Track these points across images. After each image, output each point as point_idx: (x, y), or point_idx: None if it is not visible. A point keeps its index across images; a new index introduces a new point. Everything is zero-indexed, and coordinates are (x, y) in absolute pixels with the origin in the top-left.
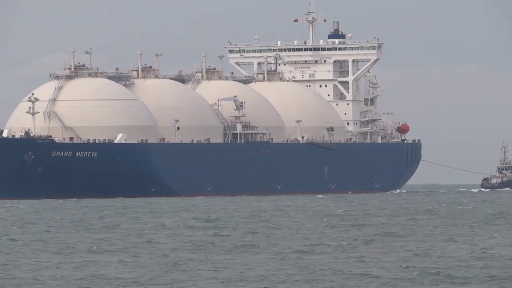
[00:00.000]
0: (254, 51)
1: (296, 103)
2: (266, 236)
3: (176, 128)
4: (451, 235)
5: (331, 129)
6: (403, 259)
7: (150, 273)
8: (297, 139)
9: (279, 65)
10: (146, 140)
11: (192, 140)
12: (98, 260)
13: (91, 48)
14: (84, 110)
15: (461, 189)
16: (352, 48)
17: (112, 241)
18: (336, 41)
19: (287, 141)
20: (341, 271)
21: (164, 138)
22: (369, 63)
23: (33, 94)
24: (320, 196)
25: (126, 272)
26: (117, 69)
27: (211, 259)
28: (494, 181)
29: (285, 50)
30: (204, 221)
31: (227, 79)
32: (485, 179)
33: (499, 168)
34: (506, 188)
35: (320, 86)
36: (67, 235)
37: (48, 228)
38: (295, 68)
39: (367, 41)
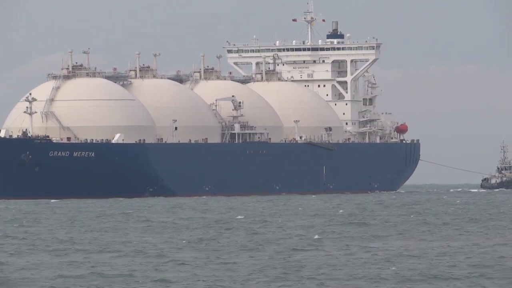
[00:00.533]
0: (252, 51)
1: (294, 103)
2: (259, 235)
3: (174, 128)
4: (443, 235)
5: (329, 129)
6: (394, 258)
7: (143, 272)
8: (295, 139)
9: (278, 65)
10: (144, 140)
11: (190, 140)
12: (92, 259)
13: (89, 48)
14: (81, 110)
15: (459, 189)
16: (350, 48)
17: (107, 240)
18: (335, 41)
19: (285, 141)
20: (331, 270)
21: (161, 138)
22: (368, 63)
23: (30, 94)
24: (317, 196)
25: (119, 271)
26: (115, 69)
27: (203, 258)
28: (493, 181)
29: (283, 50)
30: (199, 221)
31: (225, 79)
32: (484, 179)
33: (498, 168)
34: (503, 189)
35: (319, 86)
36: (62, 234)
37: (42, 227)
38: (293, 68)
39: (366, 41)
